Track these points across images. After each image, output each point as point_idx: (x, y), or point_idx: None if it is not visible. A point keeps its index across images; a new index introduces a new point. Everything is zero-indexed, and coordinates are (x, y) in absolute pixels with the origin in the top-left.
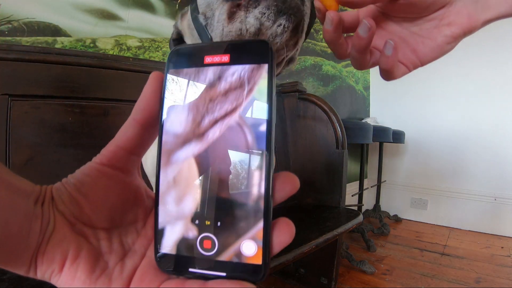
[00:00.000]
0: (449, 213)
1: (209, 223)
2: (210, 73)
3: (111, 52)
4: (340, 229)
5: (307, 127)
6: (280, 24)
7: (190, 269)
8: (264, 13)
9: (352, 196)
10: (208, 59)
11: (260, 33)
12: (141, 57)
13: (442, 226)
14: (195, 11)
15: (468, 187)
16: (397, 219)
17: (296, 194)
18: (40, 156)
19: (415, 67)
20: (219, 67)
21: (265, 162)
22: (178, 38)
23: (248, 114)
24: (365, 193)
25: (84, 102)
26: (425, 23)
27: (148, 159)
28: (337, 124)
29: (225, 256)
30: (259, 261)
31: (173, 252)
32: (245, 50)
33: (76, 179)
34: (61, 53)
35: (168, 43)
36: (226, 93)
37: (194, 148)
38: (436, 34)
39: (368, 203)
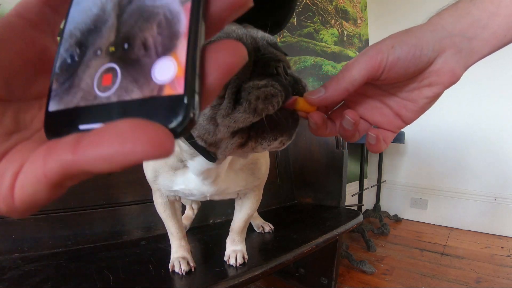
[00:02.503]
0: (449, 213)
1: (113, 49)
2: None
3: None
4: (340, 229)
5: (307, 127)
6: (281, 141)
7: (80, 126)
8: (270, 144)
9: (352, 196)
10: None
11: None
12: None
13: (442, 226)
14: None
15: (468, 187)
16: (397, 219)
17: (296, 194)
18: None
19: (400, 128)
20: None
21: None
22: None
23: None
24: (365, 193)
25: None
26: (406, 85)
27: (150, 162)
28: None
29: (129, 93)
30: (179, 89)
31: (63, 106)
32: None
33: None
34: None
35: None
36: None
37: None
38: (417, 97)
39: (368, 203)
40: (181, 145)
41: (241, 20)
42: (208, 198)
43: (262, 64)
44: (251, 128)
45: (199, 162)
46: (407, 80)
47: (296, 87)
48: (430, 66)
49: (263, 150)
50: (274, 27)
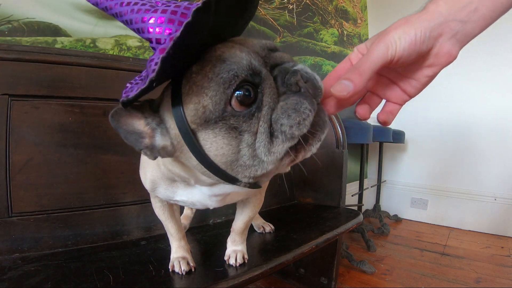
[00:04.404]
0: (449, 213)
1: None
2: None
3: (111, 52)
4: (340, 229)
5: None
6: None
7: None
8: (317, 146)
9: (352, 196)
10: None
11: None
12: (141, 57)
13: (442, 226)
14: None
15: (468, 187)
16: (397, 219)
17: (296, 194)
18: (40, 156)
19: (405, 101)
20: None
21: None
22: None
23: None
24: (365, 193)
25: (84, 102)
26: (411, 67)
27: (148, 175)
28: (337, 124)
29: None
30: None
31: None
32: None
33: None
34: (61, 53)
35: None
36: None
37: None
38: (419, 75)
39: (368, 203)
40: (198, 176)
41: (226, 33)
42: (211, 208)
43: (282, 81)
44: (300, 141)
45: (220, 188)
46: (411, 64)
47: (316, 92)
48: (430, 50)
49: (310, 154)
50: (248, 20)
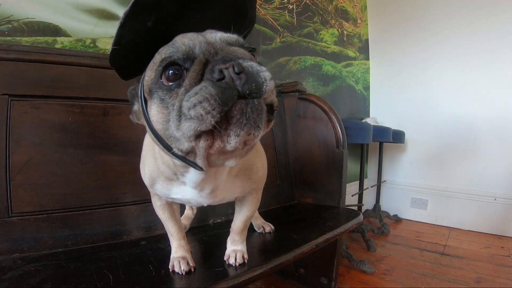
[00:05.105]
0: (449, 213)
1: None
2: None
3: None
4: (340, 229)
5: (307, 127)
6: (250, 134)
7: None
8: (237, 140)
9: (352, 196)
10: None
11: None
12: None
13: (442, 226)
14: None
15: (468, 187)
16: (397, 219)
17: (296, 194)
18: (40, 156)
19: None
20: None
21: None
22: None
23: None
24: (365, 193)
25: (84, 102)
26: None
27: (146, 170)
28: (337, 124)
29: None
30: None
31: None
32: None
33: None
34: (61, 53)
35: None
36: None
37: None
38: None
39: (368, 203)
40: (174, 160)
41: (203, 25)
42: (205, 205)
43: (211, 69)
44: (214, 129)
45: (194, 173)
46: None
47: (249, 84)
48: None
49: (234, 148)
50: (242, 21)
